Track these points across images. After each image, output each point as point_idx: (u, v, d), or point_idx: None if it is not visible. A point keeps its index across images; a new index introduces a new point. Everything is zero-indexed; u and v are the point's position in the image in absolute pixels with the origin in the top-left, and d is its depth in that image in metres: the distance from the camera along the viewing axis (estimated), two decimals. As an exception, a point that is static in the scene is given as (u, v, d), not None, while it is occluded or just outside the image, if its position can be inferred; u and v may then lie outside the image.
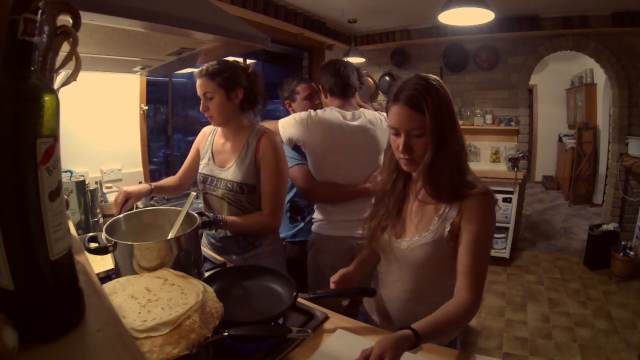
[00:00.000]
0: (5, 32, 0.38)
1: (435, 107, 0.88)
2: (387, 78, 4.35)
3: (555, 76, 6.20)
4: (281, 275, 1.11)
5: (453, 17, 2.01)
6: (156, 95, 2.70)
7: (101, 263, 1.10)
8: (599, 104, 5.37)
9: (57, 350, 0.40)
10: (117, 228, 1.09)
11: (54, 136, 0.40)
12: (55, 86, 0.60)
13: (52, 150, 0.40)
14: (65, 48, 0.57)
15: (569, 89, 6.24)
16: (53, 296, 0.42)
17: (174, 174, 1.64)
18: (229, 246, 1.45)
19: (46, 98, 0.39)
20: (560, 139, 6.34)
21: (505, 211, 3.54)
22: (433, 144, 0.90)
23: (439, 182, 0.93)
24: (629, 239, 3.45)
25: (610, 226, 3.42)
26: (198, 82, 1.34)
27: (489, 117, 3.89)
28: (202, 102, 1.35)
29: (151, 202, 1.80)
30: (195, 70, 1.36)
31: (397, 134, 0.94)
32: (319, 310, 1.05)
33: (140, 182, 2.10)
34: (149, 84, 2.20)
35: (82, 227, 1.52)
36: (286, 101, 1.92)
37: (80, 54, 0.59)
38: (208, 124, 1.49)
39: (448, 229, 0.93)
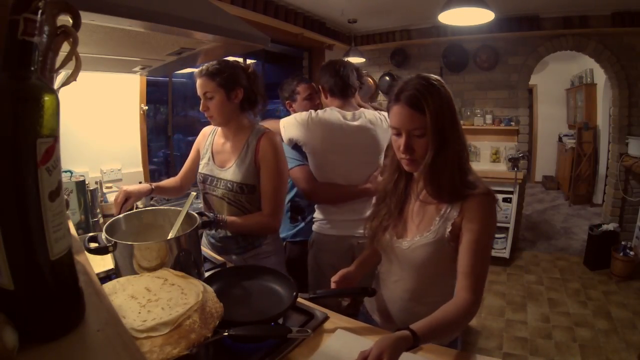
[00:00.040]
0: (5, 32, 0.38)
1: (436, 108, 0.88)
2: (387, 78, 4.35)
3: (555, 76, 6.20)
4: (281, 275, 1.11)
5: (453, 17, 2.01)
6: (156, 95, 2.70)
7: (101, 263, 1.10)
8: (599, 104, 5.37)
9: (57, 350, 0.40)
10: (117, 228, 1.09)
11: (54, 136, 0.40)
12: (55, 86, 0.60)
13: (52, 150, 0.40)
14: (65, 48, 0.57)
15: (569, 89, 6.24)
16: (53, 296, 0.42)
17: (174, 173, 1.64)
18: (228, 246, 1.45)
19: (46, 98, 0.39)
20: (560, 139, 6.34)
21: (505, 211, 3.54)
22: (434, 144, 0.90)
23: (440, 182, 0.93)
24: (629, 239, 3.45)
25: (610, 226, 3.42)
26: (198, 81, 1.34)
27: (489, 117, 3.90)
28: (202, 101, 1.35)
29: (151, 202, 1.80)
30: (196, 70, 1.36)
31: (398, 134, 0.95)
32: (319, 310, 1.05)
33: (140, 182, 2.10)
34: (149, 84, 2.20)
35: (82, 227, 1.52)
36: (286, 101, 1.92)
37: (80, 54, 0.59)
38: (208, 124, 1.49)
39: (449, 229, 0.93)
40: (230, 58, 1.40)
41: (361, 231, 1.59)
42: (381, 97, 4.42)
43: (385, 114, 1.69)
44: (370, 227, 1.08)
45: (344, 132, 1.61)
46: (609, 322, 2.62)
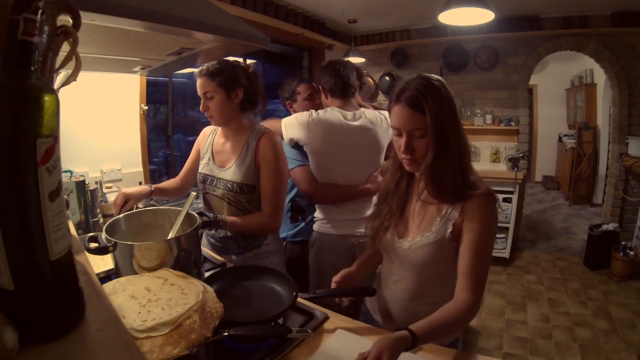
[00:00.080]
0: (5, 32, 0.38)
1: (437, 108, 0.88)
2: (387, 78, 4.35)
3: (555, 76, 6.20)
4: (281, 275, 1.11)
5: (453, 17, 2.01)
6: (156, 95, 2.70)
7: (101, 263, 1.11)
8: (599, 104, 5.37)
9: (57, 350, 0.40)
10: (117, 228, 1.09)
11: (54, 136, 0.40)
12: (55, 86, 0.60)
13: (52, 150, 0.40)
14: (65, 48, 0.57)
15: (569, 89, 6.24)
16: (53, 296, 0.42)
17: (174, 173, 1.64)
18: (228, 246, 1.45)
19: (46, 98, 0.39)
20: (560, 139, 6.34)
21: (505, 211, 3.54)
22: (434, 145, 0.90)
23: (441, 183, 0.93)
24: (629, 239, 3.45)
25: (610, 226, 3.42)
26: (198, 81, 1.34)
27: (489, 117, 3.90)
28: (202, 101, 1.35)
29: (151, 202, 1.80)
30: (196, 70, 1.36)
31: (399, 135, 0.95)
32: (319, 310, 1.05)
33: (140, 183, 2.10)
34: (149, 84, 2.20)
35: (82, 227, 1.52)
36: (287, 102, 1.92)
37: (80, 54, 0.59)
38: (208, 124, 1.49)
39: (450, 230, 0.93)
40: (231, 58, 1.40)
41: (361, 230, 1.60)
42: (381, 97, 4.42)
43: (386, 113, 1.69)
44: (372, 226, 1.08)
45: (345, 132, 1.61)
46: (609, 322, 2.62)
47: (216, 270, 1.18)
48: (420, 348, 0.86)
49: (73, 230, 0.92)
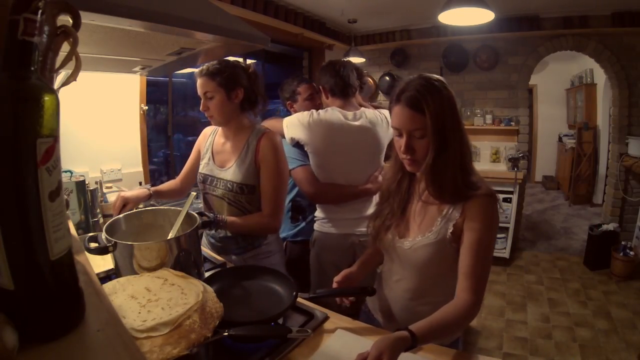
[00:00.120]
0: (5, 32, 0.38)
1: (436, 108, 0.88)
2: (387, 78, 4.35)
3: (555, 76, 6.20)
4: (281, 275, 1.11)
5: (453, 17, 2.01)
6: (156, 95, 2.70)
7: (101, 263, 1.11)
8: (599, 104, 5.37)
9: (57, 350, 0.40)
10: (117, 228, 1.09)
11: (54, 136, 0.40)
12: (55, 86, 0.60)
13: (52, 150, 0.40)
14: (65, 48, 0.57)
15: (569, 89, 6.24)
16: (53, 296, 0.42)
17: (174, 173, 1.64)
18: (228, 246, 1.45)
19: (46, 98, 0.39)
20: (560, 139, 6.34)
21: (505, 211, 3.54)
22: (434, 145, 0.90)
23: (441, 183, 0.93)
24: (629, 239, 3.45)
25: (610, 226, 3.42)
26: (198, 81, 1.34)
27: (489, 117, 3.90)
28: (202, 101, 1.35)
29: (151, 202, 1.81)
30: (196, 70, 1.36)
31: (399, 135, 0.95)
32: (319, 310, 1.05)
33: (140, 183, 2.10)
34: (149, 84, 2.20)
35: (82, 227, 1.52)
36: (287, 102, 1.92)
37: (80, 54, 0.59)
38: (208, 124, 1.48)
39: (451, 230, 0.93)
40: (231, 58, 1.40)
41: (362, 229, 1.61)
42: (381, 97, 4.42)
43: (386, 112, 1.69)
44: (373, 226, 1.08)
45: (345, 132, 1.61)
46: (609, 322, 2.62)
47: (216, 270, 1.18)
48: (421, 348, 0.86)
49: (73, 230, 0.92)
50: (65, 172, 1.65)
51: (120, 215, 1.14)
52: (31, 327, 0.40)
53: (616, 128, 3.67)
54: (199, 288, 0.82)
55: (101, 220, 1.60)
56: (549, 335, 2.52)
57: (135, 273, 0.95)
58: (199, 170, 1.49)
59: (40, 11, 0.39)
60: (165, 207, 1.22)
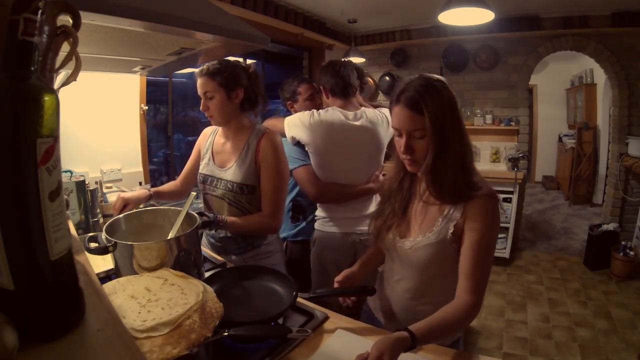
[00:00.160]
0: (5, 32, 0.38)
1: (436, 109, 0.88)
2: (387, 78, 4.35)
3: (555, 76, 6.20)
4: (281, 275, 1.11)
5: (453, 17, 2.01)
6: (156, 95, 2.70)
7: (101, 263, 1.11)
8: (599, 104, 5.37)
9: (57, 350, 0.40)
10: (117, 228, 1.09)
11: (54, 136, 0.40)
12: (55, 86, 0.60)
13: (52, 150, 0.40)
14: (65, 48, 0.57)
15: (569, 89, 6.24)
16: (53, 296, 0.42)
17: (174, 173, 1.64)
18: (228, 246, 1.45)
19: (46, 98, 0.39)
20: (560, 139, 6.34)
21: (506, 211, 3.54)
22: (434, 145, 0.90)
23: (442, 183, 0.93)
24: (629, 239, 3.45)
25: (610, 226, 3.42)
26: (199, 81, 1.34)
27: (489, 117, 3.90)
28: (202, 101, 1.35)
29: (151, 202, 1.81)
30: (196, 69, 1.36)
31: (399, 135, 0.95)
32: (319, 310, 1.05)
33: (140, 183, 2.10)
34: (149, 84, 2.20)
35: (82, 227, 1.52)
36: (287, 102, 1.92)
37: (80, 54, 0.58)
38: (208, 124, 1.48)
39: (451, 231, 0.93)
40: (231, 58, 1.40)
41: (363, 228, 1.61)
42: (381, 97, 4.42)
43: (386, 111, 1.70)
44: (375, 225, 1.08)
45: (346, 131, 1.62)
46: (609, 322, 2.62)
47: (216, 270, 1.18)
48: (421, 348, 0.86)
49: (73, 230, 0.92)
50: (65, 172, 1.65)
51: (120, 215, 1.13)
52: (31, 327, 0.40)
53: (616, 128, 3.67)
54: (199, 288, 0.82)
55: (101, 220, 1.60)
56: (549, 335, 2.52)
57: (135, 273, 0.95)
58: (199, 171, 1.49)
59: (40, 11, 0.39)
60: (165, 207, 1.22)
